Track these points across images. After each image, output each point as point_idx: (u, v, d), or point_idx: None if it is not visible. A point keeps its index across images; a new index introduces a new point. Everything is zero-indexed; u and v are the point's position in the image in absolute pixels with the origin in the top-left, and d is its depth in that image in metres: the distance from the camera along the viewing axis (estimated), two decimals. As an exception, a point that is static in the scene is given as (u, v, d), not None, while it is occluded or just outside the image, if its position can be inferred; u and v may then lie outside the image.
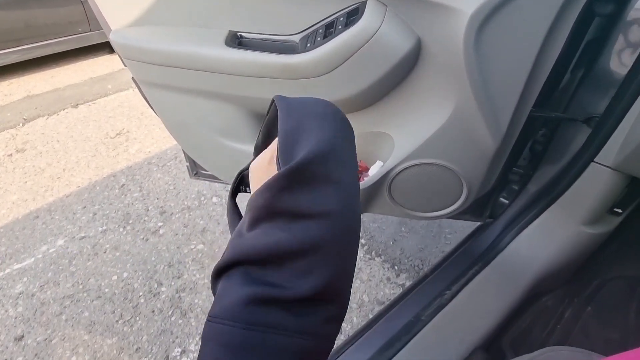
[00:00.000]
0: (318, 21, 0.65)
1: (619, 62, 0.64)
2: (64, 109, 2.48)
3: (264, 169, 0.30)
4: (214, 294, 0.26)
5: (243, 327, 0.22)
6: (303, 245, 0.23)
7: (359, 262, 1.36)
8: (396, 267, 1.34)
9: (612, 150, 0.65)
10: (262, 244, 0.24)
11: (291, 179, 0.24)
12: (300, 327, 0.23)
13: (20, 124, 2.32)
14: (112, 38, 0.72)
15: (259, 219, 0.25)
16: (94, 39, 3.13)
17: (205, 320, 0.24)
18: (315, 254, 0.24)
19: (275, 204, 0.24)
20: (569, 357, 0.41)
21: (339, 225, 0.25)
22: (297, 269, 0.24)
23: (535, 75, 0.59)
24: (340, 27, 0.61)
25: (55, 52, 2.97)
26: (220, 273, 0.26)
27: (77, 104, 2.54)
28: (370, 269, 1.34)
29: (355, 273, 1.33)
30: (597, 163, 0.69)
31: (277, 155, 0.26)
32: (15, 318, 1.22)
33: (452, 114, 0.64)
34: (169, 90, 0.77)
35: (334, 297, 0.25)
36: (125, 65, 0.78)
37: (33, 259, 1.43)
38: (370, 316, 0.91)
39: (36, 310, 1.24)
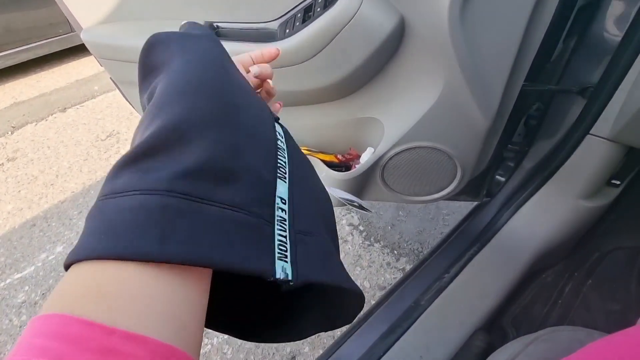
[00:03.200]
0: (296, 5, 0.62)
1: (612, 29, 0.62)
2: (52, 114, 2.44)
3: None
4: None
5: (173, 195, 0.20)
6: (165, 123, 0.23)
7: (358, 249, 1.36)
8: (395, 252, 1.33)
9: (608, 121, 0.63)
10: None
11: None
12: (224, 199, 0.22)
13: (9, 132, 2.29)
14: (84, 37, 0.69)
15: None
16: (76, 40, 3.03)
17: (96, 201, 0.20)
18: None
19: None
20: (570, 336, 0.40)
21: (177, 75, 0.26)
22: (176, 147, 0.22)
23: (526, 47, 0.57)
24: (319, 9, 0.58)
25: (38, 55, 2.90)
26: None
27: (65, 108, 2.49)
28: (370, 255, 1.33)
29: (355, 260, 1.34)
30: (593, 135, 0.67)
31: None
32: (20, 327, 1.22)
33: (441, 94, 0.62)
34: (148, 88, 0.74)
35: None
36: (101, 65, 0.75)
37: (33, 267, 1.42)
38: (372, 302, 0.91)
39: (40, 318, 1.25)
